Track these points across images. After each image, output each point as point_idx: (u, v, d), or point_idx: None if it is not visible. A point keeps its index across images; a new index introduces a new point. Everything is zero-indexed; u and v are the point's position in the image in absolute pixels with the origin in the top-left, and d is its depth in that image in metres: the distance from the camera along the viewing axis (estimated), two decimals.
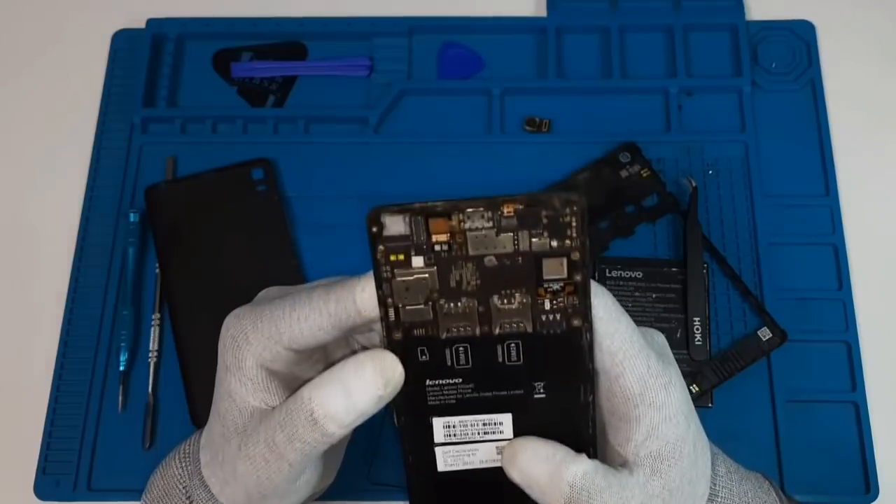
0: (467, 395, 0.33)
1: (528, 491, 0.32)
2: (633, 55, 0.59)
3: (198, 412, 0.49)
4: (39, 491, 0.49)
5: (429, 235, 0.30)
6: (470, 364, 0.32)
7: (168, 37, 0.59)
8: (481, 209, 0.30)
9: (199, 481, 0.35)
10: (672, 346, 0.48)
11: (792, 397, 0.50)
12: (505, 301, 0.31)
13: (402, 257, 0.30)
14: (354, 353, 0.32)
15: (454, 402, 0.33)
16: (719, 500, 0.35)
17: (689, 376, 0.49)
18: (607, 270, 0.51)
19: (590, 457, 0.33)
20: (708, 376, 0.49)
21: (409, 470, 0.34)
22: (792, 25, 0.59)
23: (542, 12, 0.60)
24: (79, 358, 0.51)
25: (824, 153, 0.56)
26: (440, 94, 0.58)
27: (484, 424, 0.34)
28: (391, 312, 0.31)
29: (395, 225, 0.29)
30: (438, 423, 0.33)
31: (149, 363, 0.51)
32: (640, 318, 0.50)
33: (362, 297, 0.31)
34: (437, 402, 0.33)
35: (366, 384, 0.31)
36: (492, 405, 0.33)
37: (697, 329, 0.50)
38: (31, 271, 0.55)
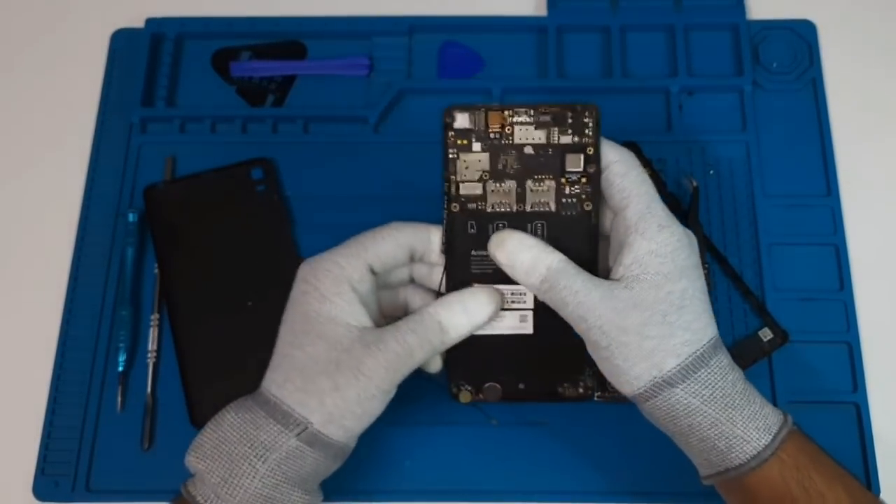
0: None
1: (509, 271, 0.41)
2: (634, 55, 0.59)
3: (197, 412, 0.49)
4: (38, 491, 0.49)
5: (487, 127, 0.41)
6: None
7: (167, 36, 0.59)
8: (526, 108, 0.41)
9: (265, 419, 0.39)
10: None
11: (793, 398, 0.50)
12: (538, 184, 0.42)
13: (465, 142, 0.41)
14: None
15: (491, 272, 0.42)
16: (698, 376, 0.39)
17: None
18: None
19: (592, 371, 0.43)
20: None
21: None
22: (793, 25, 0.59)
23: (543, 12, 0.60)
24: (77, 358, 0.51)
25: (825, 153, 0.56)
26: (440, 94, 0.58)
27: (512, 294, 0.43)
28: (453, 188, 0.42)
29: (463, 119, 0.41)
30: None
31: (147, 363, 0.51)
32: None
33: (436, 235, 0.43)
34: (479, 271, 0.43)
35: (480, 304, 0.42)
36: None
37: None
38: (29, 271, 0.54)
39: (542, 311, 0.43)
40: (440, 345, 0.41)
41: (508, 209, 0.42)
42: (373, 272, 0.42)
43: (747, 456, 0.39)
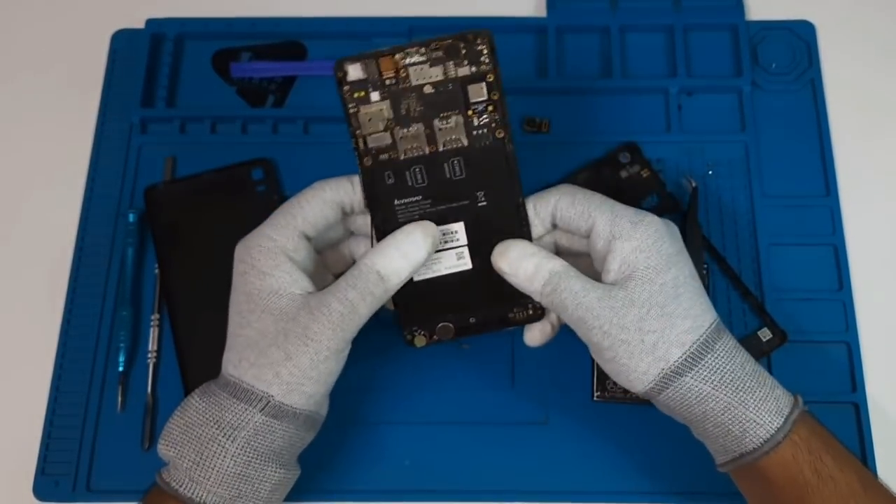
0: (427, 210, 0.42)
1: (512, 279, 0.42)
2: (634, 55, 0.59)
3: None
4: (38, 491, 0.49)
5: (380, 74, 0.40)
6: (426, 182, 0.42)
7: (167, 37, 0.59)
8: (416, 47, 0.40)
9: (228, 399, 0.40)
10: None
11: None
12: (444, 122, 0.41)
13: (362, 94, 0.40)
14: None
15: (418, 217, 0.42)
16: (705, 362, 0.39)
17: None
18: None
19: None
20: None
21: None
22: (792, 25, 0.59)
23: (542, 12, 0.60)
24: (78, 358, 0.51)
25: (824, 153, 0.56)
26: None
27: (444, 234, 0.43)
28: (360, 143, 0.41)
29: (355, 71, 0.40)
30: None
31: (148, 363, 0.51)
32: None
33: (355, 180, 0.42)
34: (405, 219, 0.42)
35: (416, 244, 0.41)
36: (447, 217, 0.43)
37: None
38: (30, 271, 0.54)
39: (477, 245, 0.43)
40: (384, 293, 0.41)
41: (421, 152, 0.42)
42: (307, 238, 0.42)
43: (761, 440, 0.39)
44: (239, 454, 0.39)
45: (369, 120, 0.41)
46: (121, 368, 0.51)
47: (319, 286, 0.42)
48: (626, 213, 0.41)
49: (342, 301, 0.40)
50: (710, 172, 0.55)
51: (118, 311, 0.52)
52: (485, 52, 0.40)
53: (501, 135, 0.42)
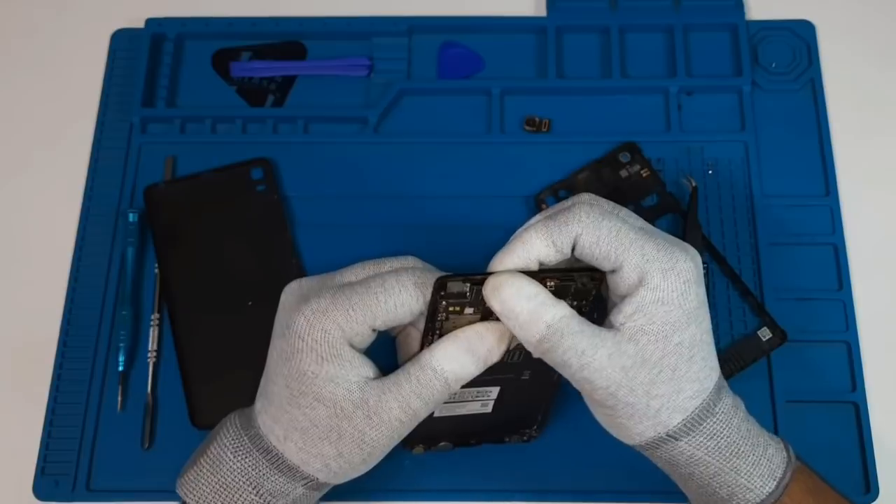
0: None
1: (504, 320, 0.36)
2: (633, 55, 0.59)
3: (197, 412, 0.49)
4: (38, 491, 0.49)
5: (479, 300, 0.37)
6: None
7: (167, 36, 0.59)
8: (551, 276, 0.36)
9: (270, 469, 0.38)
10: None
11: (792, 397, 0.50)
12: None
13: (458, 309, 0.37)
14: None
15: None
16: (703, 427, 0.37)
17: None
18: None
19: (538, 426, 0.46)
20: None
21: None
22: (792, 25, 0.59)
23: (542, 12, 0.60)
24: (78, 358, 0.51)
25: (824, 153, 0.56)
26: (440, 94, 0.58)
27: (478, 393, 0.43)
28: (432, 336, 0.38)
29: (455, 286, 0.36)
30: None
31: (148, 363, 0.51)
32: None
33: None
34: None
35: (492, 348, 0.37)
36: (488, 381, 0.41)
37: None
38: (30, 271, 0.54)
39: (505, 398, 0.43)
40: (445, 396, 0.38)
41: None
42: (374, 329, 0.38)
43: None
44: None
45: (454, 326, 0.38)
46: (121, 368, 0.51)
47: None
48: (658, 257, 0.36)
49: (405, 410, 0.37)
50: (710, 172, 0.55)
51: (118, 310, 0.52)
52: (593, 292, 0.37)
53: (556, 377, 0.41)
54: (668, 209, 0.53)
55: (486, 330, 0.37)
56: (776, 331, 0.50)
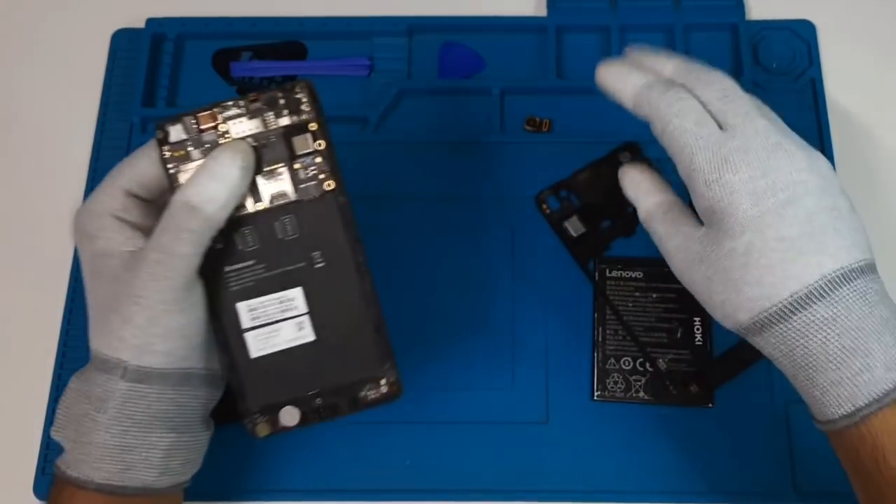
0: (262, 276, 0.39)
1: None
2: None
3: None
4: (39, 491, 0.49)
5: (200, 131, 0.38)
6: (257, 244, 0.39)
7: (167, 36, 0.59)
8: (234, 101, 0.39)
9: (91, 372, 0.38)
10: (672, 347, 0.48)
11: (793, 397, 0.49)
12: (269, 177, 0.39)
13: (182, 153, 0.38)
14: None
15: (252, 283, 0.39)
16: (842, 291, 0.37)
17: (690, 376, 0.49)
18: (608, 270, 0.51)
19: (377, 330, 0.39)
20: (709, 377, 0.49)
21: (229, 369, 0.39)
22: (792, 25, 0.59)
23: (543, 12, 0.60)
24: (78, 357, 0.51)
25: (824, 153, 0.55)
26: (440, 94, 0.58)
27: (280, 302, 0.39)
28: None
29: (176, 132, 0.38)
30: (243, 308, 0.39)
31: None
32: (640, 318, 0.50)
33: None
34: (239, 287, 0.39)
35: (226, 163, 0.37)
36: (282, 282, 0.39)
37: (698, 329, 0.50)
38: (30, 271, 0.55)
39: (319, 313, 0.39)
40: (203, 225, 0.36)
41: (246, 210, 0.38)
42: (138, 197, 0.40)
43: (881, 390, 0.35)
44: (112, 425, 0.37)
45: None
46: None
47: None
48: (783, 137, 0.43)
49: (155, 248, 0.37)
50: None
51: None
52: (304, 100, 0.39)
53: (331, 186, 0.39)
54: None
55: (217, 150, 0.38)
56: None
